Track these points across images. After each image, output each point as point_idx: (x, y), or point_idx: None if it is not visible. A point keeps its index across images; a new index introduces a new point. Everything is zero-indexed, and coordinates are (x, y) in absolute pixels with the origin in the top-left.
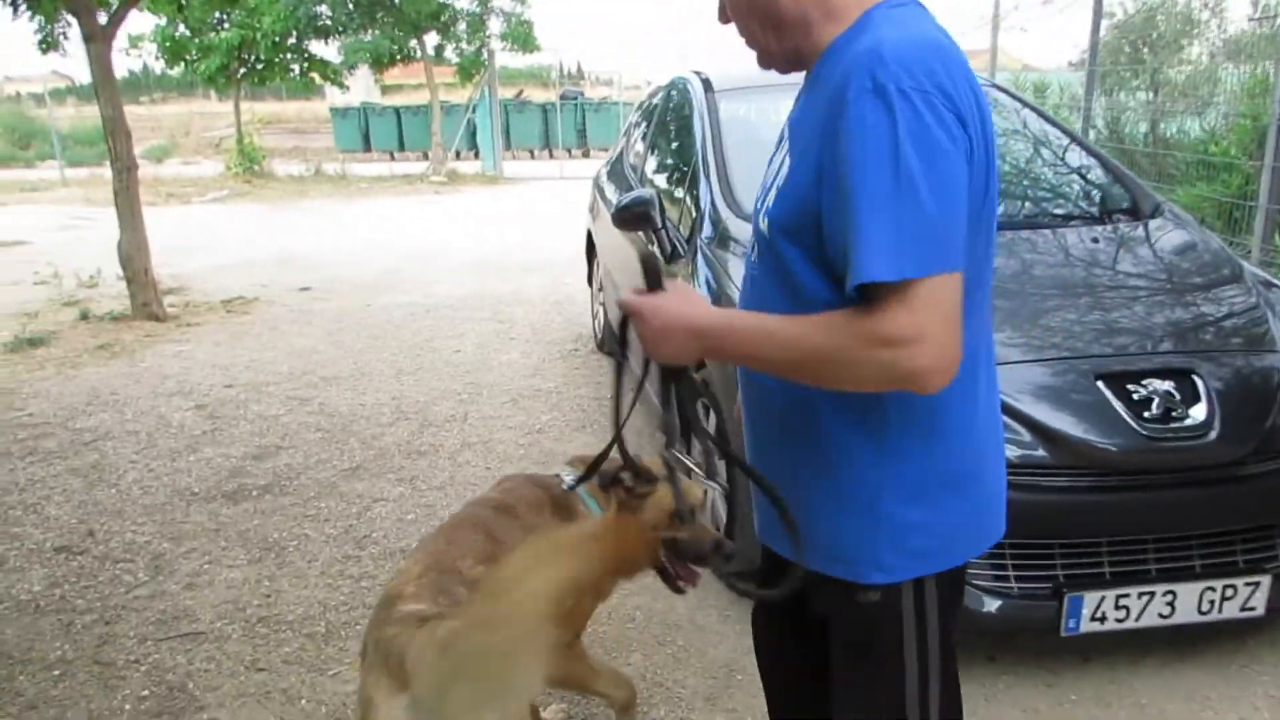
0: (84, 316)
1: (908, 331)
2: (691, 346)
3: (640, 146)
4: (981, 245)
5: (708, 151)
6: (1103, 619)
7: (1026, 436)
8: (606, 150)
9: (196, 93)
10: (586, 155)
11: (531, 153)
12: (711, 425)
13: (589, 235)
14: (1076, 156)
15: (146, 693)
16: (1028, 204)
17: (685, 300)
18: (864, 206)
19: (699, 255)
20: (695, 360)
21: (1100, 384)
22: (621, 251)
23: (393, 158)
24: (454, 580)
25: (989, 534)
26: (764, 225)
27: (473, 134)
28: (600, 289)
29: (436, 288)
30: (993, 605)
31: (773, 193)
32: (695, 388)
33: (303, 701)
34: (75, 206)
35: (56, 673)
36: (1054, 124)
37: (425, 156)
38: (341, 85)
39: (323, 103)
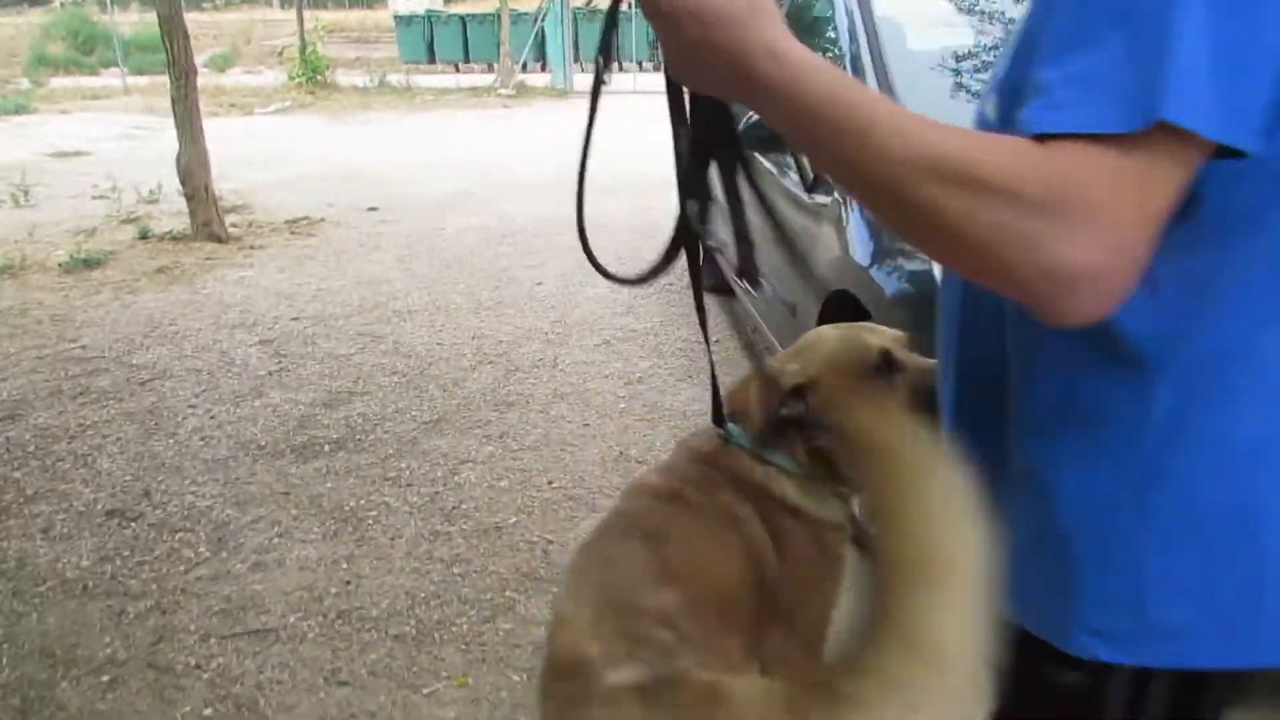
0: (143, 235)
1: (1091, 192)
2: (732, 78)
3: None
4: None
5: (862, 56)
6: None
7: None
8: None
9: None
10: (658, 69)
11: None
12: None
13: None
14: None
15: (210, 711)
16: None
17: (753, 7)
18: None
19: None
20: (730, 86)
21: None
22: None
23: (457, 69)
24: (644, 622)
25: None
26: (989, 107)
27: (539, 45)
28: None
29: (510, 210)
30: None
31: (1005, 59)
32: (738, 146)
33: None
34: (137, 115)
35: (105, 678)
36: None
37: (490, 68)
38: None
39: (385, 11)
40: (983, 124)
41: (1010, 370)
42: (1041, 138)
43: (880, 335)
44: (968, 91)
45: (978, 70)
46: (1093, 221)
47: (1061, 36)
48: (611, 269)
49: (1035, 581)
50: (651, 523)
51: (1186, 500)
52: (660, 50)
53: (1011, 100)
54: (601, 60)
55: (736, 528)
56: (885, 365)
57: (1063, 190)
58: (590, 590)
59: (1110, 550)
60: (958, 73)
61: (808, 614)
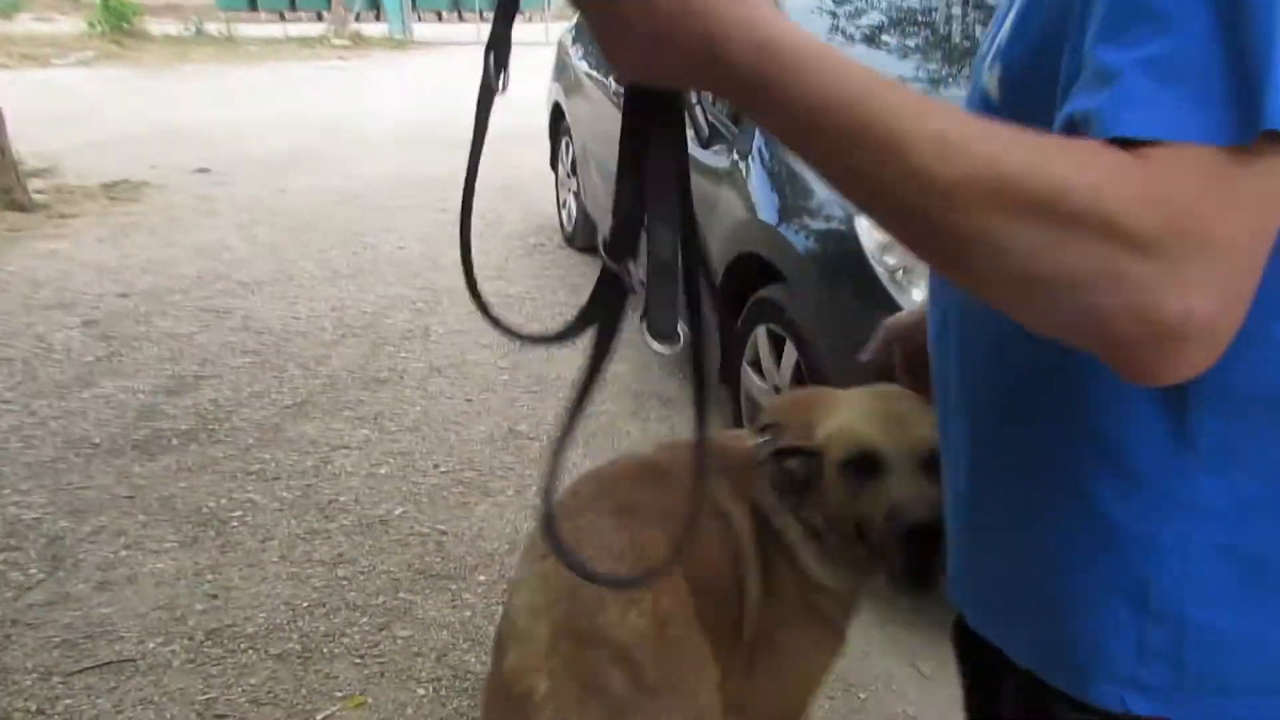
0: None
1: (1204, 220)
2: (701, 75)
3: None
4: None
5: None
6: None
7: None
8: (530, 16)
9: None
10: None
11: (439, 15)
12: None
13: (556, 108)
14: None
15: None
16: None
17: None
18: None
19: (755, 145)
20: (698, 86)
21: None
22: (607, 124)
23: (283, 18)
24: (602, 659)
25: None
26: (990, 80)
27: None
28: (572, 172)
29: (357, 168)
30: None
31: (1010, 17)
32: (680, 150)
33: None
34: None
35: None
36: None
37: (319, 17)
38: None
39: None
40: (981, 100)
41: (1021, 399)
42: (1123, 142)
43: (906, 426)
44: (844, 35)
45: (853, 16)
46: (1210, 259)
47: (1125, 3)
48: (477, 228)
49: (1053, 627)
50: (625, 494)
51: (1234, 541)
52: (596, 42)
53: (1024, 77)
54: (492, 62)
55: (721, 520)
56: (867, 467)
57: (1177, 221)
58: (552, 598)
59: (1147, 596)
60: (835, 15)
61: (771, 662)
